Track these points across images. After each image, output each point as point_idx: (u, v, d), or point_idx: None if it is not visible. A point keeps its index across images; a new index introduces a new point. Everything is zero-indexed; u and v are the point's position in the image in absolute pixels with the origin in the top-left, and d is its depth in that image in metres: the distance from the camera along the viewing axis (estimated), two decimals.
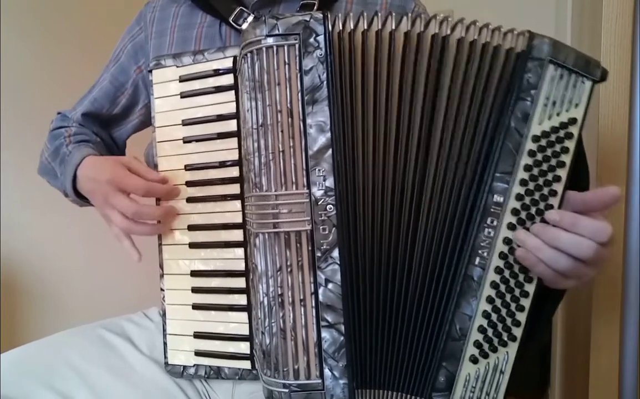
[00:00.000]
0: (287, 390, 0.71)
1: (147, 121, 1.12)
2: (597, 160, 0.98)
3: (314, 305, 0.71)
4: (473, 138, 0.72)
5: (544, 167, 0.70)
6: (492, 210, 0.70)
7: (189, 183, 0.86)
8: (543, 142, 0.70)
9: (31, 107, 1.97)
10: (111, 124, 1.14)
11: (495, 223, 0.70)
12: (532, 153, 0.70)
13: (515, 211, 0.70)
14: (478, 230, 0.71)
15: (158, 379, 0.92)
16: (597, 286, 0.98)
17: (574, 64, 0.69)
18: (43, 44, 2.05)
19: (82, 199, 1.00)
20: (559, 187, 0.69)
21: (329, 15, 0.70)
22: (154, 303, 1.06)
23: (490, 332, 0.71)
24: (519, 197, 0.70)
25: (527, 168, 0.70)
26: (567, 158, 0.70)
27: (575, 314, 1.15)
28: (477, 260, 0.71)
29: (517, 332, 0.71)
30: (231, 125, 0.83)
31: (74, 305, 2.13)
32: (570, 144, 0.70)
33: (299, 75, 0.70)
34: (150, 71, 0.89)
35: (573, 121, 0.70)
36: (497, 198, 0.70)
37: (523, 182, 0.70)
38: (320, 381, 0.71)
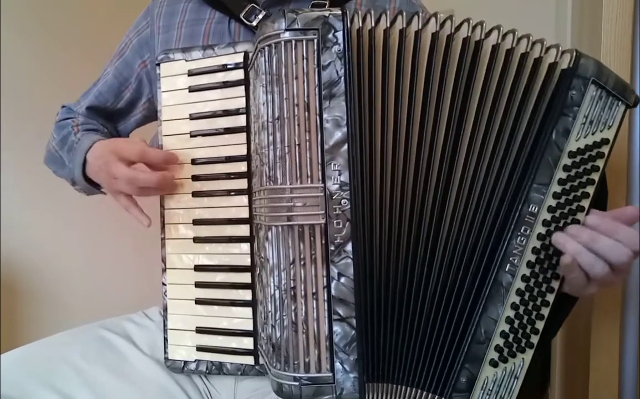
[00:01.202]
0: (297, 383, 0.71)
1: (150, 116, 1.13)
2: None
3: (326, 298, 0.71)
4: (509, 146, 0.74)
5: (576, 182, 0.72)
6: (526, 219, 0.72)
7: (195, 178, 0.86)
8: (577, 159, 0.72)
9: (31, 107, 1.96)
10: (115, 118, 1.14)
11: (528, 232, 0.72)
12: (567, 168, 0.72)
13: (546, 223, 0.72)
14: (511, 237, 0.73)
15: (159, 379, 0.91)
16: None
17: (614, 87, 0.72)
18: (43, 44, 2.04)
19: (90, 184, 0.99)
20: (586, 204, 0.72)
21: (347, 12, 0.71)
22: (154, 302, 1.06)
23: (511, 338, 0.73)
24: (551, 209, 0.72)
25: (561, 182, 0.72)
26: (596, 177, 0.72)
27: (575, 314, 1.16)
28: (508, 266, 0.73)
29: (535, 339, 0.73)
30: (239, 121, 0.83)
31: (74, 305, 2.11)
32: (601, 163, 0.72)
33: (316, 69, 0.70)
34: (158, 64, 0.88)
35: (606, 141, 0.72)
36: (533, 208, 0.72)
37: (556, 195, 0.72)
38: (331, 374, 0.71)
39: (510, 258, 0.73)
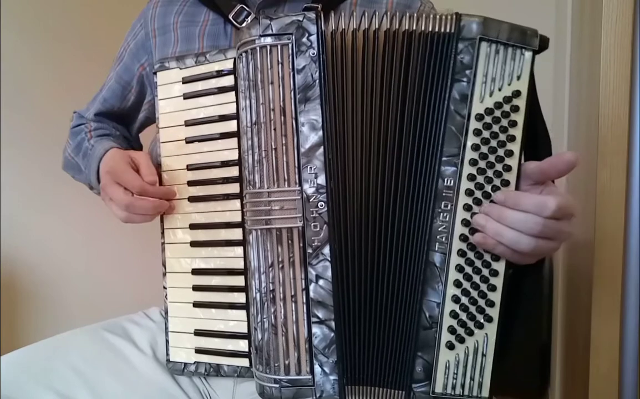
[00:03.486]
0: (277, 386, 0.72)
1: (151, 116, 1.13)
2: (597, 160, 0.97)
3: (304, 301, 0.71)
4: (421, 128, 0.72)
5: (493, 143, 0.69)
6: (444, 194, 0.70)
7: (191, 183, 0.87)
8: (488, 119, 0.69)
9: (31, 107, 1.96)
10: (125, 119, 1.16)
11: (449, 206, 0.70)
12: (477, 132, 0.69)
13: (469, 192, 0.70)
14: (433, 216, 0.71)
15: (160, 380, 0.92)
16: (597, 286, 0.98)
17: (509, 38, 0.69)
18: (43, 44, 2.05)
19: None
20: (512, 162, 0.69)
21: (322, 15, 0.71)
22: (154, 303, 1.06)
23: (463, 316, 0.71)
24: (471, 177, 0.70)
25: (475, 147, 0.69)
26: (517, 132, 0.69)
27: (575, 314, 1.14)
28: (437, 245, 0.71)
29: (493, 312, 0.71)
30: (233, 125, 0.83)
31: (74, 305, 2.13)
32: (518, 117, 0.69)
33: (291, 74, 0.71)
34: (155, 73, 0.90)
35: (517, 94, 0.69)
36: (448, 181, 0.70)
37: (473, 162, 0.69)
38: (310, 376, 0.71)
39: (438, 237, 0.71)
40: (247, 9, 0.94)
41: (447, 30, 0.70)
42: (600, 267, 0.96)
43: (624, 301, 0.95)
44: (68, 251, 2.14)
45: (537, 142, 0.72)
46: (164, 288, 0.91)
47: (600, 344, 0.97)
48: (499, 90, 0.69)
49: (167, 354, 0.91)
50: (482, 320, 0.71)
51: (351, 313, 0.74)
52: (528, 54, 0.69)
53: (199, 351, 0.88)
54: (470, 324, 0.71)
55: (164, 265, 0.91)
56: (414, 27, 0.71)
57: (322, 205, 0.71)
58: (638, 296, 0.94)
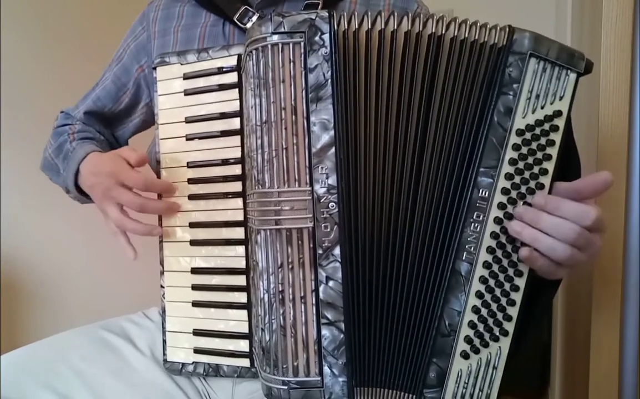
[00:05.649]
0: (286, 387, 0.71)
1: (148, 120, 1.13)
2: (597, 160, 0.98)
3: (314, 302, 0.71)
4: (461, 136, 0.72)
5: (530, 160, 0.70)
6: (477, 204, 0.71)
7: (191, 181, 0.86)
8: (528, 136, 0.70)
9: (31, 107, 1.97)
10: (113, 123, 1.15)
11: (481, 217, 0.71)
12: (516, 147, 0.70)
13: (502, 206, 0.70)
14: (464, 225, 0.71)
15: (158, 380, 0.92)
16: (597, 286, 0.98)
17: (557, 57, 0.69)
18: (43, 44, 2.05)
19: (83, 195, 1.00)
20: (546, 179, 0.70)
21: (334, 14, 0.71)
22: (154, 303, 1.06)
23: (480, 327, 0.71)
24: (505, 191, 0.70)
25: (512, 162, 0.70)
26: (553, 151, 0.70)
27: (575, 314, 1.15)
28: (464, 255, 0.71)
29: (509, 327, 0.71)
30: (234, 123, 0.83)
31: (74, 305, 2.13)
32: (556, 137, 0.70)
33: (303, 72, 0.70)
34: (155, 68, 0.89)
35: (558, 113, 0.70)
36: (483, 192, 0.70)
37: (509, 176, 0.70)
38: (319, 378, 0.71)
39: (466, 246, 0.71)
40: (251, 9, 0.94)
41: (498, 41, 0.71)
42: (600, 267, 0.97)
43: (624, 301, 0.95)
44: (68, 251, 2.14)
45: (569, 163, 0.72)
46: (162, 286, 0.90)
47: (600, 344, 0.97)
48: (542, 108, 0.70)
49: (165, 354, 0.90)
50: (498, 333, 0.71)
51: (362, 315, 0.74)
52: (573, 76, 0.70)
53: (197, 351, 0.88)
54: (487, 336, 0.71)
55: (162, 264, 0.90)
56: (455, 34, 0.71)
57: (332, 206, 0.70)
58: (638, 296, 0.94)
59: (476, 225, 0.71)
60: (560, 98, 0.70)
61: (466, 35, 0.71)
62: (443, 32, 0.71)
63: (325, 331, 0.71)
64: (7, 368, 0.86)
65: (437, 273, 0.73)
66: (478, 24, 0.71)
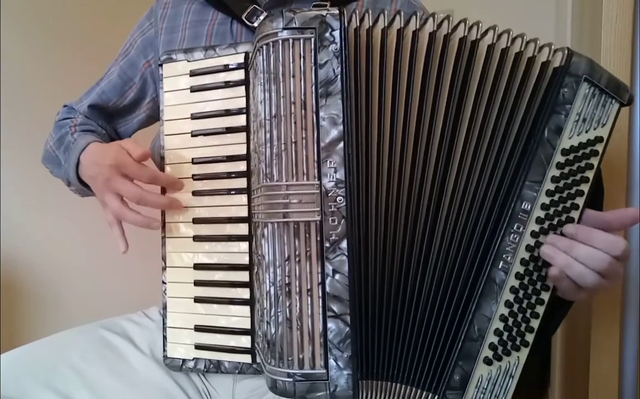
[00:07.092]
0: (291, 379, 0.72)
1: (153, 115, 1.13)
2: None
3: (320, 295, 0.71)
4: (502, 144, 0.74)
5: (569, 180, 0.72)
6: (519, 216, 0.73)
7: (196, 177, 0.87)
8: (571, 157, 0.72)
9: (31, 107, 1.97)
10: (117, 118, 1.14)
11: (521, 229, 0.73)
12: (560, 166, 0.72)
13: (539, 220, 0.72)
14: (504, 235, 0.73)
15: (158, 379, 0.92)
16: None
17: (607, 85, 0.72)
18: (43, 44, 2.05)
19: (85, 187, 0.99)
20: (580, 202, 0.72)
21: (344, 11, 0.72)
22: (154, 302, 1.06)
23: (505, 336, 0.73)
24: (544, 207, 0.72)
25: (555, 179, 0.72)
26: (590, 175, 0.72)
27: (575, 314, 1.15)
28: (501, 264, 0.73)
29: (530, 338, 0.73)
30: (240, 120, 0.84)
31: (74, 304, 2.12)
32: (595, 161, 0.72)
33: (313, 68, 0.71)
34: (161, 65, 0.89)
35: (600, 139, 0.72)
36: (526, 205, 0.72)
37: (549, 193, 0.72)
38: (324, 371, 0.71)
39: (504, 256, 0.73)
40: (259, 8, 0.94)
41: (554, 60, 0.73)
42: None
43: (624, 302, 0.96)
44: (68, 251, 2.13)
45: (596, 188, 0.74)
46: (163, 282, 0.90)
47: (600, 345, 0.98)
48: (586, 131, 0.72)
49: (165, 350, 0.90)
50: (519, 343, 0.73)
51: (369, 309, 0.74)
52: (616, 105, 0.73)
53: (199, 347, 0.88)
54: (509, 345, 0.73)
55: (164, 260, 0.90)
56: (494, 41, 0.73)
57: (340, 200, 0.71)
58: (638, 296, 0.95)
59: (515, 236, 0.73)
60: (603, 125, 0.73)
61: (508, 45, 0.73)
62: (478, 38, 0.73)
63: (331, 324, 0.71)
64: (7, 367, 0.86)
65: (473, 278, 0.74)
66: (525, 38, 0.73)
